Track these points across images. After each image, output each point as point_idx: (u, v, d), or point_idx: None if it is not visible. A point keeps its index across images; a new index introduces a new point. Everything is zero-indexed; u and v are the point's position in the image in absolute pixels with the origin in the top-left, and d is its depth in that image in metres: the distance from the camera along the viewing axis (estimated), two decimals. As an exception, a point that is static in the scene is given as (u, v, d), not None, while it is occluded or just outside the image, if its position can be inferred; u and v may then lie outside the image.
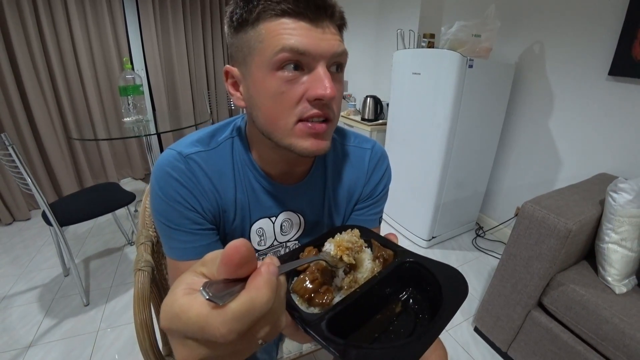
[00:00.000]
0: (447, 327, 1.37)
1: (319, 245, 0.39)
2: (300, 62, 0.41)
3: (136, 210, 2.30)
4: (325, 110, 0.43)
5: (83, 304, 1.47)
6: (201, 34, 3.00)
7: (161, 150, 3.01)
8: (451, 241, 2.04)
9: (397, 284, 0.37)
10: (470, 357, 1.26)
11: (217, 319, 0.18)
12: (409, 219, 2.05)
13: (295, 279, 0.35)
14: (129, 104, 1.95)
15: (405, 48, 2.14)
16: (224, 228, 0.55)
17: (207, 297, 0.18)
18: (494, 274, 1.21)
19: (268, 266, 0.21)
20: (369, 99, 2.39)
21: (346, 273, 0.36)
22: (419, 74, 1.74)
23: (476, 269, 1.78)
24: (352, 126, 2.47)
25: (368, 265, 0.37)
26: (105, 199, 1.62)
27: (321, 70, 0.41)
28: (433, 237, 1.94)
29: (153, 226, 0.73)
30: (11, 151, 1.21)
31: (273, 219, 0.59)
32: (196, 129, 0.58)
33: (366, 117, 2.43)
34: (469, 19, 1.57)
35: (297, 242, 0.63)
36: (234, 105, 3.32)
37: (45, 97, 2.24)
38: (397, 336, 0.33)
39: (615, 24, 1.37)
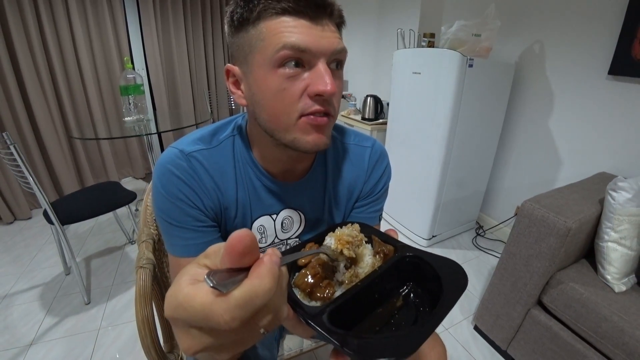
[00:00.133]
0: (447, 326, 1.38)
1: (319, 241, 0.40)
2: (301, 59, 0.42)
3: (137, 210, 2.30)
4: (326, 106, 0.44)
5: (84, 302, 1.47)
6: (202, 33, 3.01)
7: (162, 149, 3.02)
8: (451, 240, 2.05)
9: (397, 279, 0.37)
10: (470, 356, 1.26)
11: (220, 306, 0.19)
12: (409, 218, 2.05)
13: (297, 274, 0.36)
14: (129, 104, 1.95)
15: (405, 47, 2.14)
16: (225, 225, 0.56)
17: (211, 285, 0.19)
18: (494, 272, 1.21)
19: (270, 256, 0.21)
20: (369, 98, 2.39)
21: (347, 268, 0.36)
22: (419, 73, 1.74)
23: (476, 268, 1.78)
24: (352, 125, 2.47)
25: (369, 260, 0.37)
26: (106, 198, 1.63)
27: (322, 66, 0.42)
28: (433, 236, 1.95)
29: (154, 224, 0.74)
30: (13, 150, 1.22)
31: (274, 216, 0.59)
32: (197, 129, 0.58)
33: (366, 117, 2.43)
34: (469, 19, 1.58)
35: (297, 239, 0.64)
36: (234, 105, 3.32)
37: (46, 97, 2.24)
38: (398, 328, 0.33)
39: (615, 24, 1.38)
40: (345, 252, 0.35)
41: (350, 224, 0.39)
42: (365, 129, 2.36)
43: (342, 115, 2.64)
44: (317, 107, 0.43)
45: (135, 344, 1.27)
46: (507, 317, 1.17)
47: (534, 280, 1.06)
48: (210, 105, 3.15)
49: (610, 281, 0.99)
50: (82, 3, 2.32)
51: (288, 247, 0.64)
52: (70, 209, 1.49)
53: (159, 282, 0.71)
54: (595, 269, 1.06)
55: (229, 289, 0.19)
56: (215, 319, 0.19)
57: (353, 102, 2.77)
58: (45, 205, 1.32)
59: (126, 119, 2.00)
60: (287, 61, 0.42)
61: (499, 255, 1.71)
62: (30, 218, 2.23)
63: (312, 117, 0.44)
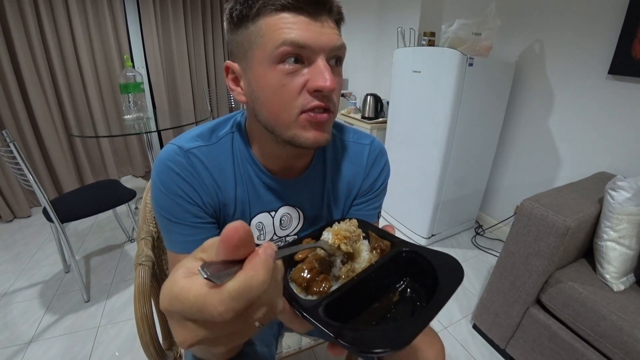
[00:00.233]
0: (446, 325, 1.38)
1: (317, 237, 0.40)
2: (300, 55, 0.42)
3: (136, 208, 2.30)
4: (325, 101, 0.44)
5: (83, 300, 1.47)
6: (201, 31, 3.01)
7: (161, 147, 3.00)
8: (450, 239, 2.05)
9: (394, 274, 0.38)
10: (468, 354, 1.26)
11: (215, 297, 0.19)
12: (408, 216, 2.05)
13: (294, 269, 0.36)
14: (129, 102, 1.95)
15: (405, 46, 2.14)
16: (224, 222, 0.56)
17: (206, 276, 0.19)
18: (493, 271, 1.21)
19: (265, 249, 0.21)
20: (369, 97, 2.39)
21: (344, 263, 0.36)
22: (419, 72, 1.74)
23: (475, 267, 1.79)
24: (352, 124, 2.47)
25: (365, 255, 0.37)
26: (105, 195, 1.63)
27: (321, 62, 0.42)
28: (432, 235, 1.95)
29: (154, 222, 0.74)
30: (12, 148, 1.22)
31: (272, 213, 0.59)
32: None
33: (366, 115, 2.43)
34: (469, 18, 1.57)
35: (296, 236, 0.64)
36: (234, 103, 3.32)
37: (46, 94, 2.24)
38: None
39: (615, 23, 1.38)
40: (343, 247, 0.35)
41: (348, 219, 0.39)
42: (365, 127, 2.36)
43: (342, 114, 2.64)
44: (316, 102, 0.43)
45: (134, 342, 1.27)
46: (506, 315, 1.17)
47: (532, 279, 1.06)
48: (210, 104, 3.15)
49: (609, 280, 0.99)
50: (82, 1, 2.32)
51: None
52: (70, 207, 1.49)
53: (158, 279, 0.71)
54: (594, 268, 1.06)
55: (223, 280, 0.19)
56: (209, 311, 0.19)
57: (353, 101, 2.77)
58: (44, 203, 1.32)
59: (126, 117, 2.00)
60: (286, 57, 0.42)
61: (498, 255, 1.71)
62: (29, 216, 2.23)
63: (312, 114, 0.44)
